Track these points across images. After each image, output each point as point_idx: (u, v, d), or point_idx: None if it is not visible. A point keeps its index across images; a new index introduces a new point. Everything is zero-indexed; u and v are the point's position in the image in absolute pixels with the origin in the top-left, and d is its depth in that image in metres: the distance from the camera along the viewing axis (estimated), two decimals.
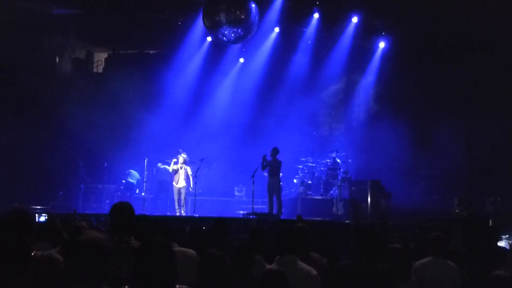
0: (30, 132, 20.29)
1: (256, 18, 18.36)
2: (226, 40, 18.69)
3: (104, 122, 20.33)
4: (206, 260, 4.32)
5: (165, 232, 6.31)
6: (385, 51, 21.49)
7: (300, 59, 22.26)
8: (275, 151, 17.24)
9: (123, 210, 5.39)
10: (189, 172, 18.16)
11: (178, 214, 17.67)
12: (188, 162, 18.39)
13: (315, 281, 5.63)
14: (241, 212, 18.16)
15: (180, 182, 18.06)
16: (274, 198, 17.33)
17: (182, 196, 18.05)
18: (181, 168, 18.09)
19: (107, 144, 20.77)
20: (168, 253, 3.65)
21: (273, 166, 17.23)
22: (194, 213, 17.69)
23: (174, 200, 18.20)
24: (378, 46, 21.61)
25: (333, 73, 22.28)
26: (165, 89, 21.77)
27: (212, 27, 18.59)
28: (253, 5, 18.24)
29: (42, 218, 7.93)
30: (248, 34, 18.67)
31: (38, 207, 16.86)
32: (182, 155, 18.16)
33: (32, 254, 4.62)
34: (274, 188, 17.32)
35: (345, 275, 5.49)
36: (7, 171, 18.60)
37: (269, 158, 17.11)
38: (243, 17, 18.04)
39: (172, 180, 18.35)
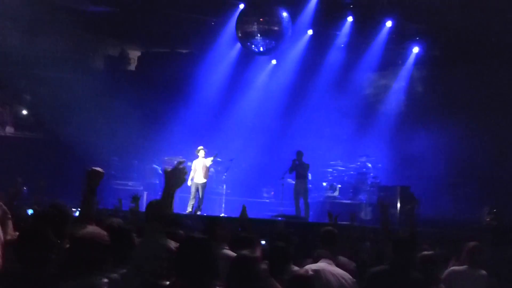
0: (63, 128, 20.54)
1: (289, 28, 18.59)
2: (257, 51, 18.96)
3: (136, 120, 20.52)
4: (239, 262, 4.36)
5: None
6: (419, 56, 21.41)
7: (332, 62, 22.24)
8: (300, 154, 17.41)
9: (157, 208, 5.54)
10: (208, 164, 17.60)
11: (189, 211, 16.95)
12: (218, 162, 18.37)
13: (351, 285, 5.70)
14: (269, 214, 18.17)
15: (198, 178, 17.39)
16: (301, 201, 17.47)
17: (200, 194, 17.33)
18: (198, 162, 17.53)
19: (137, 142, 20.98)
20: (208, 249, 3.74)
21: (300, 169, 17.38)
22: (222, 213, 17.78)
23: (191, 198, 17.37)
24: (411, 51, 21.52)
25: (365, 77, 22.27)
26: (196, 88, 21.99)
27: (244, 38, 18.88)
28: (285, 14, 18.42)
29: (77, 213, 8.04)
30: (279, 45, 18.96)
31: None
32: (202, 149, 17.72)
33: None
34: (301, 190, 17.47)
35: (380, 281, 5.58)
36: (40, 166, 18.88)
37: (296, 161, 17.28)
38: (276, 28, 18.31)
39: None
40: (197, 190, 17.33)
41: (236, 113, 22.10)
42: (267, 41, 18.62)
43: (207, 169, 17.62)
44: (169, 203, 3.72)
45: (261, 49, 18.93)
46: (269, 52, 19.85)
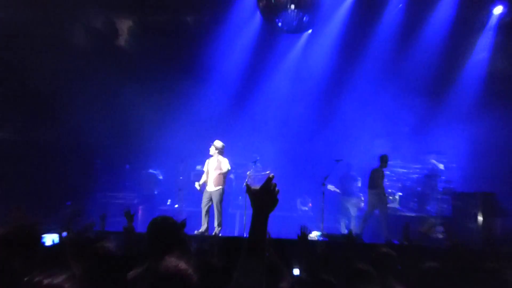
0: (33, 124, 20.42)
1: None
2: (286, 28, 18.86)
3: (129, 110, 20.31)
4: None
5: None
6: (502, 18, 20.96)
7: (385, 32, 21.79)
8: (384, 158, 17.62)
9: (164, 227, 5.59)
10: (225, 168, 16.11)
11: (202, 230, 15.69)
12: (239, 164, 18.19)
13: None
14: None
15: (208, 184, 16.00)
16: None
17: (215, 206, 15.84)
18: (211, 162, 16.22)
19: (130, 140, 20.76)
20: None
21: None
22: (244, 232, 17.40)
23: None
24: (492, 13, 21.10)
25: (430, 50, 21.85)
26: (207, 70, 21.69)
27: (268, 11, 18.68)
28: None
29: (49, 242, 8.00)
30: (313, 21, 19.04)
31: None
32: (215, 143, 16.40)
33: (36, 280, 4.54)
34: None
35: None
36: (3, 172, 18.72)
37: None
38: None
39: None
40: (209, 200, 15.99)
41: (261, 100, 21.90)
42: (299, 14, 18.41)
43: (222, 172, 16.10)
44: (263, 231, 3.64)
45: (291, 26, 18.81)
46: (299, 30, 19.72)
